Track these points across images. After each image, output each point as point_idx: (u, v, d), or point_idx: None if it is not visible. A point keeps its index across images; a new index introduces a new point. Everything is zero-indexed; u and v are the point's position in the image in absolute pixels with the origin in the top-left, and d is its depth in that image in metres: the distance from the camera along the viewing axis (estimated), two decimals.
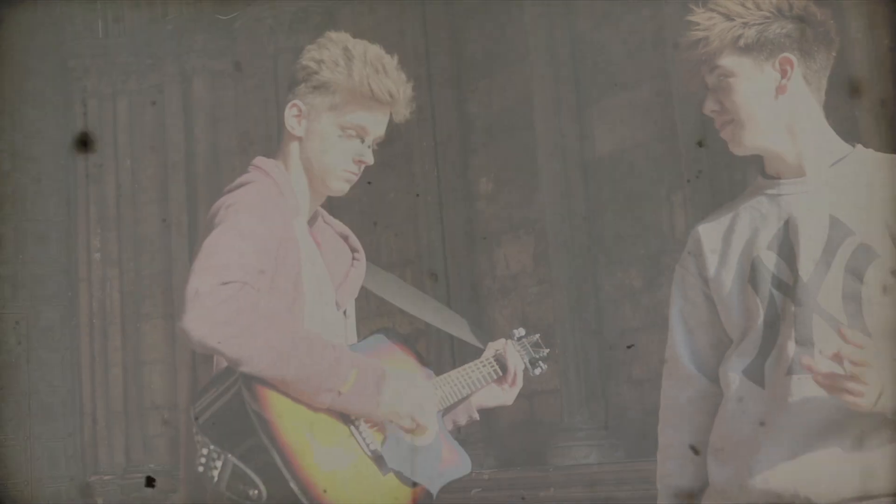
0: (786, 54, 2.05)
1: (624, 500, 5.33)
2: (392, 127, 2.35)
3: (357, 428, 2.09)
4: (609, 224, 6.18)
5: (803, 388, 1.96)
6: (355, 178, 2.30)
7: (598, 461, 5.90)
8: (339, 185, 2.29)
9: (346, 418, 2.09)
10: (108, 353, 8.39)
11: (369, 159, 2.29)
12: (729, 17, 2.06)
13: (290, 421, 1.99)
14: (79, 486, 8.13)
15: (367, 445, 2.09)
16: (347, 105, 2.25)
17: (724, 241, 2.13)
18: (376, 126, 2.28)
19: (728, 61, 2.06)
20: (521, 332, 2.55)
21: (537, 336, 2.57)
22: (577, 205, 6.25)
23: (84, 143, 8.38)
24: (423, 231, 6.98)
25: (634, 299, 6.05)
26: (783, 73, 2.06)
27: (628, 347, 5.95)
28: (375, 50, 2.27)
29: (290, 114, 2.26)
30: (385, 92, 2.24)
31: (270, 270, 2.09)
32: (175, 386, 8.11)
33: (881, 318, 1.97)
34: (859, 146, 2.09)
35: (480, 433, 6.48)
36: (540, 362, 2.54)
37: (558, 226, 6.27)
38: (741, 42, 2.05)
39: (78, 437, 8.34)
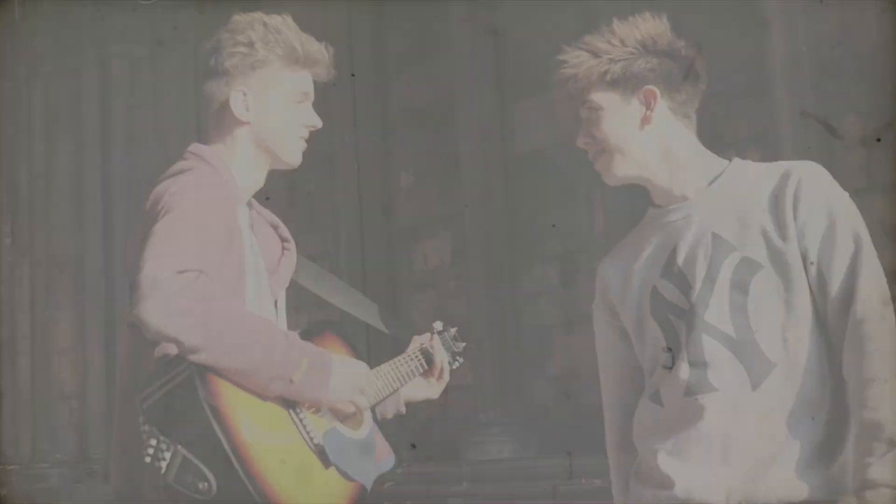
0: (649, 86, 2.12)
1: (537, 496, 5.37)
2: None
3: (301, 421, 2.10)
4: (528, 221, 6.22)
5: (704, 407, 2.01)
6: (306, 145, 2.35)
7: (511, 456, 5.94)
8: (296, 157, 2.33)
9: (292, 410, 2.10)
10: (16, 340, 8.22)
11: (319, 122, 2.35)
12: (596, 55, 2.14)
13: (241, 412, 1.98)
14: None
15: (311, 439, 2.10)
16: (288, 75, 2.30)
17: (624, 276, 2.18)
18: (311, 89, 2.35)
19: (597, 96, 2.14)
20: (440, 325, 2.57)
21: (455, 329, 2.60)
22: (496, 201, 6.28)
23: None
24: (342, 224, 6.96)
25: (551, 296, 6.10)
26: (647, 105, 2.12)
27: None
28: (287, 18, 2.36)
29: (238, 100, 2.28)
30: (318, 52, 2.33)
31: (221, 259, 2.09)
32: (85, 376, 7.98)
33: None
34: (736, 159, 2.15)
35: (394, 427, 6.48)
36: (458, 356, 2.57)
37: (477, 221, 6.30)
38: (608, 77, 2.12)
39: None
